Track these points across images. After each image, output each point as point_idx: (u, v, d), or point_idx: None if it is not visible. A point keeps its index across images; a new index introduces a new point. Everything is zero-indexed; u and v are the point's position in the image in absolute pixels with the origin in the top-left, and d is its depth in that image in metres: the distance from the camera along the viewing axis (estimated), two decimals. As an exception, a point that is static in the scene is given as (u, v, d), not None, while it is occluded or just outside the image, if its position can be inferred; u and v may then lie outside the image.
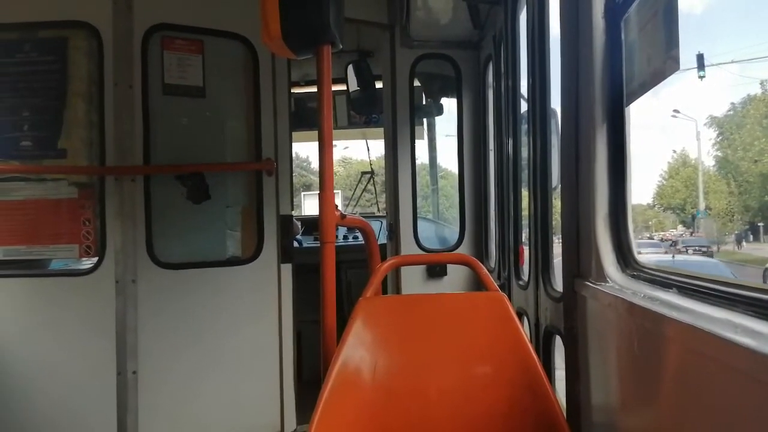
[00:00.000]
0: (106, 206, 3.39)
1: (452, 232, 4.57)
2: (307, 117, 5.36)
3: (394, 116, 4.15)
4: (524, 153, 3.22)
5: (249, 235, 3.67)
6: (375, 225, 4.39)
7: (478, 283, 3.61)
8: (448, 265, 4.11)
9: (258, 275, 3.61)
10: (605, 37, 2.01)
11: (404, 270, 4.07)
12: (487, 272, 2.36)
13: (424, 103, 5.03)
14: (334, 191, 2.38)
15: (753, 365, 1.01)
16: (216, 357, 3.51)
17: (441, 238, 5.03)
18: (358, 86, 4.90)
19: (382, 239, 4.29)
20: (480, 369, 2.13)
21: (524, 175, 3.24)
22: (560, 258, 2.31)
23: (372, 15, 4.13)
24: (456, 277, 4.09)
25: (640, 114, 2.11)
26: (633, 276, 1.84)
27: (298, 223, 5.12)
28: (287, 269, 3.66)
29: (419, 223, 4.21)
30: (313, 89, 5.13)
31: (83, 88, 3.42)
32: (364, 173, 6.81)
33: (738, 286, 1.32)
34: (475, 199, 4.24)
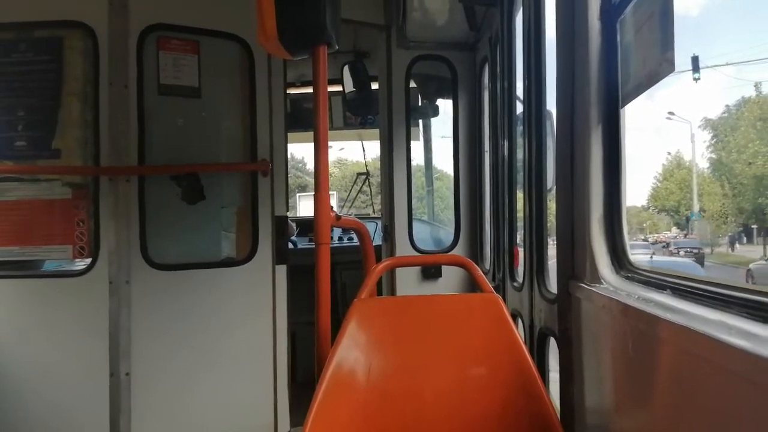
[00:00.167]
0: (100, 207, 3.37)
1: (447, 234, 4.57)
2: (302, 118, 5.36)
3: (390, 117, 4.15)
4: (519, 154, 3.23)
5: (244, 236, 3.66)
6: (370, 226, 4.39)
7: (472, 285, 3.61)
8: (443, 266, 4.11)
9: (253, 276, 3.60)
10: (601, 39, 2.01)
11: (399, 271, 4.07)
12: (482, 274, 2.36)
13: (420, 104, 5.03)
14: (330, 192, 2.38)
15: (747, 366, 1.01)
16: (210, 358, 3.50)
17: (436, 240, 5.04)
18: (354, 87, 4.90)
19: (377, 241, 4.28)
20: (474, 370, 2.13)
21: (519, 176, 3.24)
22: (555, 260, 2.32)
23: (368, 16, 4.13)
24: (451, 278, 4.09)
25: (635, 116, 2.12)
26: (627, 278, 1.84)
27: (293, 225, 5.12)
28: (282, 270, 3.65)
29: (414, 224, 4.21)
30: (309, 90, 5.12)
31: (78, 87, 3.40)
32: (359, 174, 6.82)
33: (732, 287, 1.32)
34: (470, 201, 4.24)
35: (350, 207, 7.15)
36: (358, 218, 4.21)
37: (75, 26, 3.39)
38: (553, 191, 2.53)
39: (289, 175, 4.05)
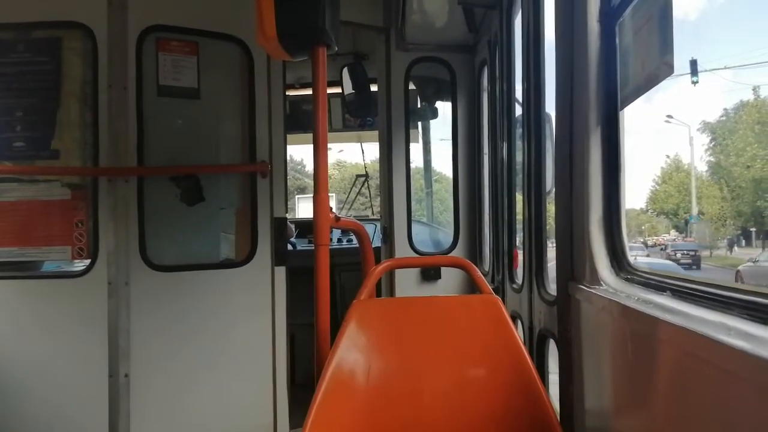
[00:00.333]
0: (99, 208, 3.37)
1: (446, 236, 4.57)
2: (301, 120, 5.36)
3: (389, 119, 4.15)
4: (518, 157, 3.23)
5: (243, 238, 3.66)
6: (369, 228, 4.39)
7: (472, 288, 3.62)
8: (442, 268, 4.11)
9: (252, 278, 3.60)
10: (600, 41, 2.02)
11: (398, 273, 4.07)
12: (481, 275, 2.36)
13: (419, 106, 5.03)
14: (329, 194, 2.38)
15: (747, 367, 1.01)
16: (209, 360, 3.50)
17: (435, 242, 5.04)
18: (353, 89, 4.90)
19: (377, 242, 4.28)
20: (474, 372, 2.13)
21: (518, 179, 3.25)
22: (554, 262, 2.32)
23: (367, 18, 4.13)
24: (450, 280, 4.09)
25: (633, 119, 2.12)
26: (627, 279, 1.84)
27: (292, 226, 5.12)
28: (281, 272, 3.65)
29: (413, 226, 4.21)
30: (308, 92, 5.11)
31: (77, 88, 3.40)
32: (358, 176, 6.82)
33: (731, 289, 1.33)
34: (469, 203, 4.24)
35: (349, 209, 7.15)
36: (357, 220, 4.22)
37: (74, 27, 3.39)
38: (552, 193, 2.53)
39: (288, 177, 4.04)
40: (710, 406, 1.19)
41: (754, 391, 1.01)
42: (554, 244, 2.36)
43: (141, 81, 3.42)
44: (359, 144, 6.74)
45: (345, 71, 4.89)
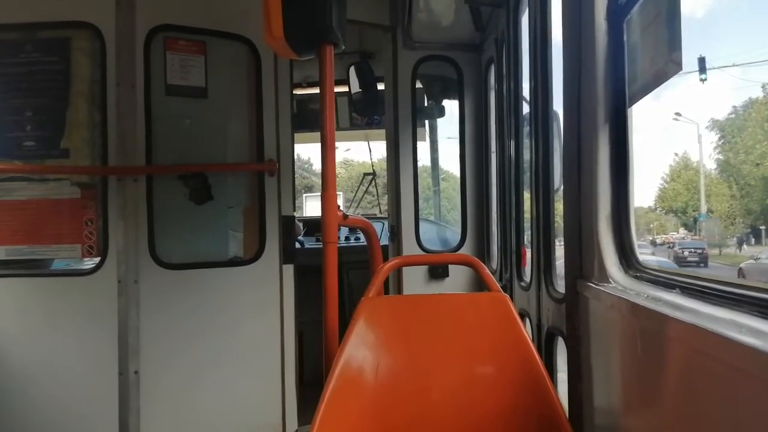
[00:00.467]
0: (108, 206, 3.39)
1: (454, 234, 4.57)
2: (308, 118, 5.37)
3: (396, 118, 4.15)
4: (526, 155, 3.23)
5: (251, 236, 3.67)
6: (376, 226, 4.39)
7: (479, 286, 3.61)
8: (449, 266, 4.12)
9: (260, 276, 3.61)
10: (608, 39, 2.01)
11: (406, 271, 4.07)
12: (490, 273, 2.36)
13: (426, 104, 5.03)
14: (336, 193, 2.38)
15: (758, 365, 1.01)
16: (218, 357, 3.51)
17: (443, 240, 5.04)
18: (359, 88, 4.90)
19: (384, 240, 4.29)
20: (482, 369, 2.13)
21: (526, 177, 3.24)
22: (562, 260, 2.31)
23: (374, 17, 4.13)
24: (458, 278, 4.09)
25: (641, 117, 2.11)
26: (636, 277, 1.84)
27: (300, 224, 5.13)
28: (289, 270, 3.66)
29: (421, 224, 4.21)
30: (315, 91, 5.13)
31: (86, 88, 3.42)
32: (366, 174, 6.82)
33: (741, 286, 1.32)
34: (476, 201, 4.24)
35: (356, 207, 7.15)
36: (365, 218, 4.22)
37: (82, 27, 3.41)
38: (560, 191, 2.53)
39: (295, 176, 4.05)
40: (720, 403, 1.19)
41: (765, 388, 1.01)
42: (562, 243, 2.35)
43: (149, 80, 3.44)
44: (366, 143, 6.74)
45: (352, 70, 4.89)
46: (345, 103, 5.42)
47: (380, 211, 6.75)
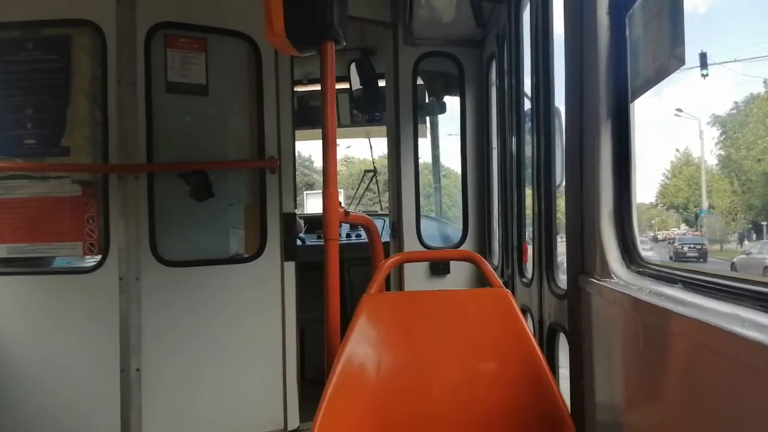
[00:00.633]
0: (109, 204, 3.39)
1: (455, 231, 4.57)
2: (309, 115, 5.36)
3: (397, 114, 4.15)
4: (527, 151, 3.22)
5: (252, 233, 3.67)
6: (378, 223, 4.39)
7: (480, 282, 3.61)
8: (451, 263, 4.11)
9: (261, 273, 3.61)
10: (610, 34, 2.00)
11: (407, 268, 4.07)
12: (491, 269, 2.36)
13: (427, 101, 5.03)
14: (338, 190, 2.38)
15: (762, 359, 1.00)
16: (219, 354, 3.52)
17: (444, 237, 5.04)
18: (360, 84, 4.90)
19: (385, 238, 4.28)
20: (484, 365, 2.13)
21: (527, 173, 3.24)
22: (563, 256, 2.31)
23: (375, 13, 4.13)
24: (459, 275, 4.09)
25: (643, 113, 2.11)
26: (638, 272, 1.83)
27: (301, 222, 5.13)
28: (290, 267, 3.66)
29: (422, 221, 4.21)
30: (316, 88, 5.13)
31: (86, 86, 3.42)
32: (366, 171, 6.82)
33: (744, 280, 1.32)
34: (478, 197, 4.23)
35: (357, 204, 7.15)
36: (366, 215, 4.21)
37: (83, 24, 3.40)
38: (562, 187, 2.53)
39: (296, 173, 4.05)
40: (724, 398, 1.19)
41: (768, 382, 1.01)
42: (563, 239, 2.35)
43: (150, 78, 3.43)
44: (367, 140, 6.73)
45: (353, 67, 4.89)
46: (346, 99, 5.41)
47: (381, 208, 6.75)
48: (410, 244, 4.10)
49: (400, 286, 4.06)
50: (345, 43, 2.37)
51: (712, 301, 1.32)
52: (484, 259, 2.41)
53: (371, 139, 6.64)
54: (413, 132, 4.19)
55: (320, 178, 2.54)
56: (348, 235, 5.54)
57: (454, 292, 3.13)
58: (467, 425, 2.06)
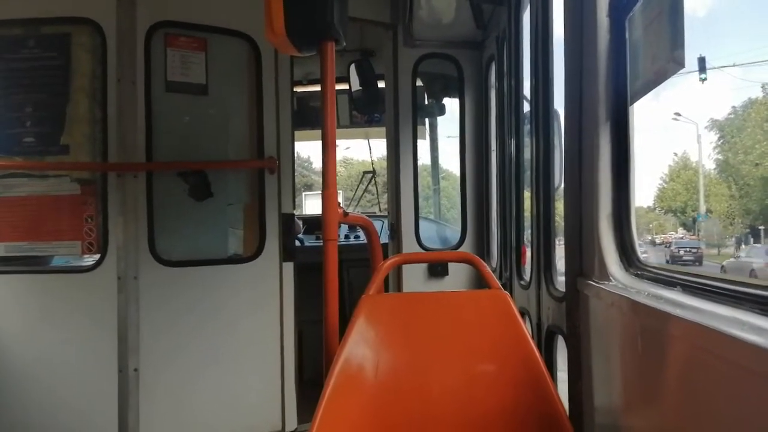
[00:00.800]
0: (108, 203, 3.38)
1: (453, 233, 4.57)
2: (309, 116, 5.36)
3: (397, 116, 4.15)
4: (526, 153, 3.22)
5: (251, 233, 3.67)
6: (376, 224, 4.39)
7: (479, 284, 3.61)
8: (449, 265, 4.11)
9: (260, 273, 3.61)
10: (609, 36, 2.01)
11: (405, 270, 4.07)
12: (490, 270, 2.36)
13: (426, 102, 5.03)
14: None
15: (761, 362, 1.01)
16: (217, 355, 3.51)
17: (442, 238, 5.03)
18: (360, 86, 4.89)
19: (384, 239, 4.28)
20: (482, 367, 2.13)
21: (526, 175, 3.24)
22: (562, 258, 2.31)
23: (375, 14, 4.13)
24: (457, 276, 4.08)
25: (641, 117, 2.11)
26: (636, 275, 1.84)
27: (300, 222, 5.13)
28: (289, 267, 3.66)
29: (421, 222, 4.21)
30: (316, 88, 5.12)
31: (86, 84, 3.42)
32: (365, 173, 6.81)
33: (743, 283, 1.32)
34: (476, 199, 4.24)
35: (356, 205, 7.15)
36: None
37: (83, 23, 3.40)
38: (561, 189, 2.53)
39: (295, 174, 4.05)
40: (722, 401, 1.19)
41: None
42: (561, 241, 2.35)
43: (149, 77, 3.43)
44: (366, 141, 6.73)
45: (352, 68, 4.89)
46: (345, 100, 5.41)
47: (380, 210, 6.75)
48: (409, 245, 4.10)
49: (399, 288, 4.06)
50: (345, 43, 2.37)
51: (711, 304, 1.32)
52: (482, 261, 2.41)
53: (370, 141, 6.64)
54: (412, 133, 4.19)
55: (319, 180, 2.54)
56: (347, 236, 5.53)
57: (452, 293, 3.14)
58: (465, 427, 2.06)
